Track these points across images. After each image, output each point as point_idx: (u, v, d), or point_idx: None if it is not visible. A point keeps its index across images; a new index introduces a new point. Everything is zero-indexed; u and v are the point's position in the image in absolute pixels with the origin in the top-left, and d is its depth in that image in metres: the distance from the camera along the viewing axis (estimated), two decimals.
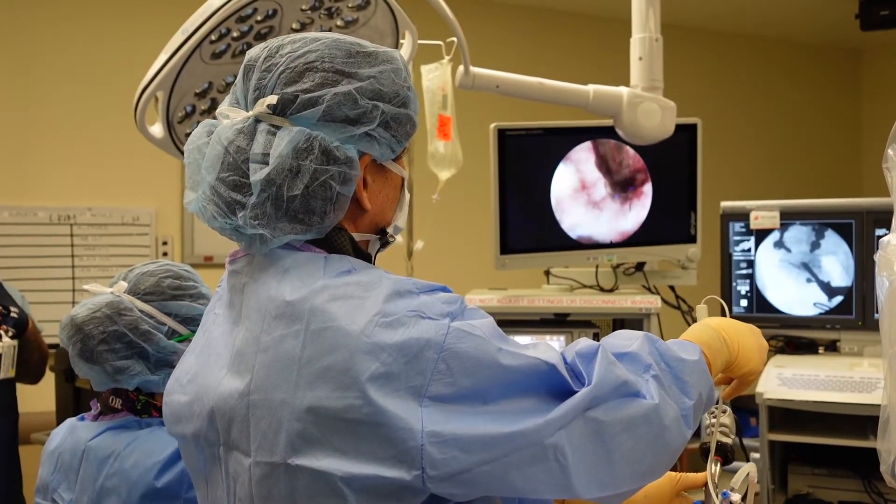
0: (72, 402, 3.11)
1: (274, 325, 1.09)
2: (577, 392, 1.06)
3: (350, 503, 1.02)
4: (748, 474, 1.38)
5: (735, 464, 1.49)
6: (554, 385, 1.06)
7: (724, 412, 1.45)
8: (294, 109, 1.12)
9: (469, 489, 1.03)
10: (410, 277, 1.13)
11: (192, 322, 1.67)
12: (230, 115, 1.16)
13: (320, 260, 1.13)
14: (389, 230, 1.24)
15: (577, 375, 1.09)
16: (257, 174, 1.11)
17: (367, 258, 1.22)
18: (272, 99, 1.12)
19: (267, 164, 1.11)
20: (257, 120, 1.14)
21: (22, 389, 2.97)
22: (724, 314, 1.43)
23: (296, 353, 1.06)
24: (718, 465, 1.41)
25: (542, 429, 1.03)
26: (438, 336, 1.03)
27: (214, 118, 1.20)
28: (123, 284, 1.68)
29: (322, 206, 1.13)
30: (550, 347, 1.10)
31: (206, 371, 1.20)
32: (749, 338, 1.34)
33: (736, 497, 1.36)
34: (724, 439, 1.43)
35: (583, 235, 2.89)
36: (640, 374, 1.13)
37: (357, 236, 1.20)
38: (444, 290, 1.12)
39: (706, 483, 1.38)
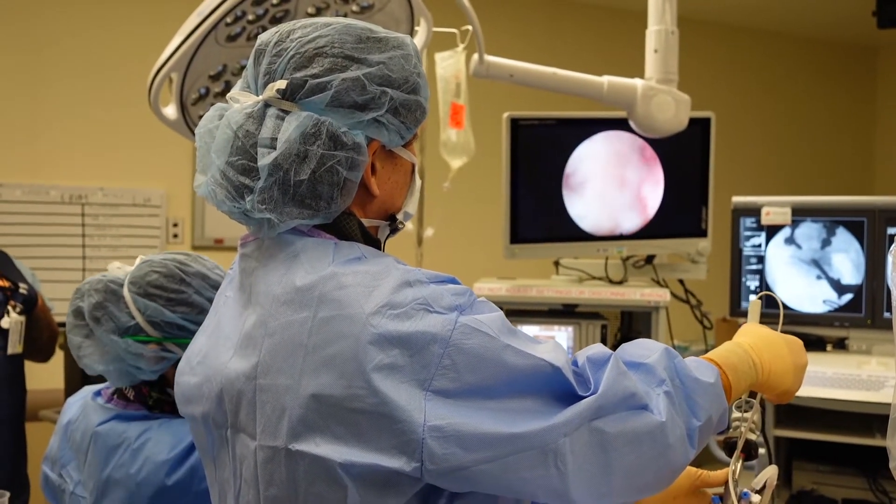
0: (80, 380, 3.13)
1: (282, 311, 1.10)
2: (580, 396, 1.06)
3: (348, 489, 1.03)
4: (770, 477, 1.37)
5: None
6: (558, 387, 1.06)
7: (752, 407, 1.42)
8: (303, 94, 1.12)
9: (465, 485, 1.04)
10: (419, 268, 1.13)
11: (157, 327, 1.58)
12: (240, 99, 1.17)
13: (330, 246, 1.14)
14: (399, 216, 1.24)
15: (584, 381, 1.09)
16: (265, 158, 1.11)
17: (377, 244, 1.22)
18: (281, 83, 1.13)
19: (275, 148, 1.11)
20: (267, 104, 1.14)
21: (31, 366, 2.98)
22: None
23: (303, 340, 1.06)
24: (741, 462, 1.39)
25: (544, 433, 1.03)
26: (445, 331, 1.03)
27: (226, 101, 1.20)
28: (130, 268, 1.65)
29: (329, 192, 1.13)
30: (558, 348, 1.09)
31: (215, 353, 1.20)
32: (784, 358, 1.32)
33: (756, 499, 1.34)
34: (751, 436, 1.41)
35: (593, 226, 2.88)
36: (652, 388, 1.12)
37: (366, 222, 1.20)
38: (454, 281, 1.12)
39: (726, 481, 1.37)
